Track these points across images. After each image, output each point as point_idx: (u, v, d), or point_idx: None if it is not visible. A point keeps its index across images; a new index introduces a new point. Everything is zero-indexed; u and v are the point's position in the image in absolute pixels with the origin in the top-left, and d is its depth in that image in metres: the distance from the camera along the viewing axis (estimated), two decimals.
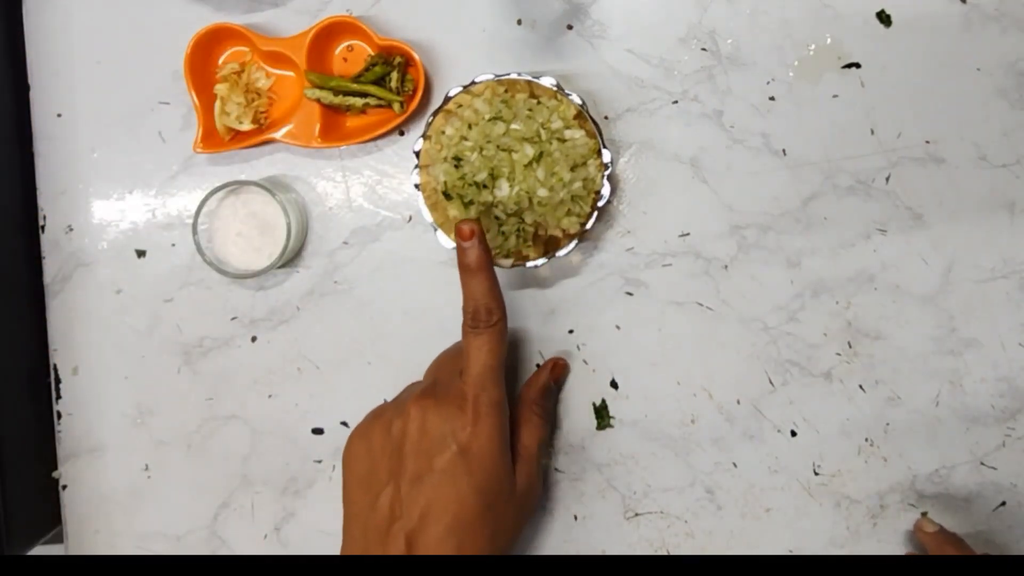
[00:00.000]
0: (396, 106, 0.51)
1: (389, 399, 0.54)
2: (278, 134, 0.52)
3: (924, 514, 0.53)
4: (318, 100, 0.51)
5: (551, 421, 0.52)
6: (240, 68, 0.53)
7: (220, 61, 0.54)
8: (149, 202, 0.55)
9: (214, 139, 0.53)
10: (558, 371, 0.53)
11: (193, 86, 0.52)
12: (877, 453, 0.53)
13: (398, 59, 0.51)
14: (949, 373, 0.53)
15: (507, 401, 0.45)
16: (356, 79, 0.52)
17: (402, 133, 0.54)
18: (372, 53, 0.53)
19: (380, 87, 0.52)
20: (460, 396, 0.44)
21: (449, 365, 0.48)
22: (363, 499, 0.44)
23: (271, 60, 0.53)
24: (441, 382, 0.46)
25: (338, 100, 0.52)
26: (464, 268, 0.44)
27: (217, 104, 0.52)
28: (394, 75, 0.51)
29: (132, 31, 0.55)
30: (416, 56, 0.51)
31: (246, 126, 0.53)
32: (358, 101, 0.52)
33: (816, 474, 0.53)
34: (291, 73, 0.54)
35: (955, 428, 0.53)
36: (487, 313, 0.44)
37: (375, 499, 0.43)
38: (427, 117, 0.50)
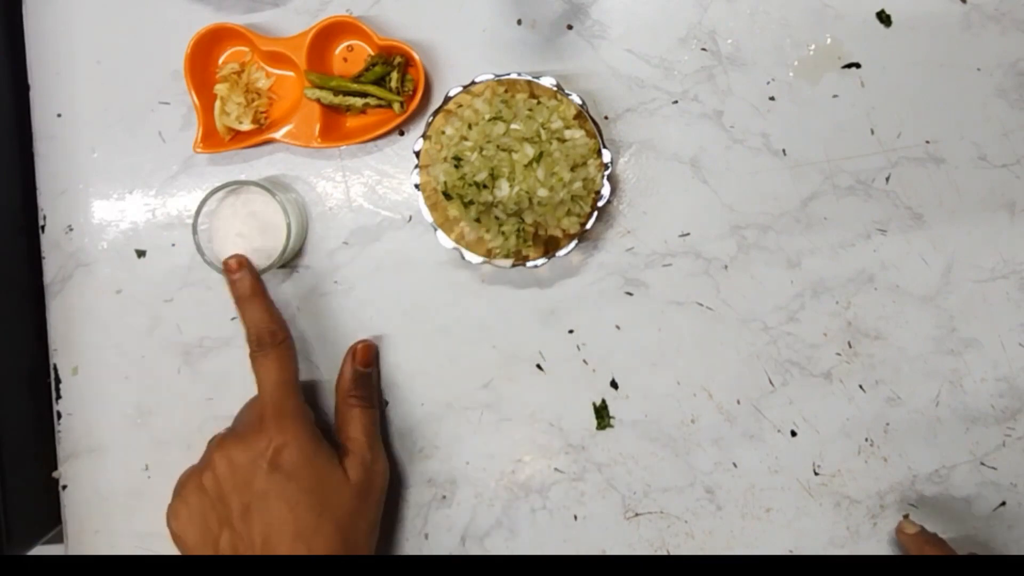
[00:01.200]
0: (396, 106, 0.51)
1: (389, 399, 0.54)
2: (278, 134, 0.52)
3: (906, 516, 0.53)
4: (318, 100, 0.51)
5: (374, 404, 0.52)
6: (240, 68, 0.53)
7: (220, 61, 0.54)
8: (149, 202, 0.55)
9: (214, 139, 0.53)
10: (361, 356, 0.52)
11: (193, 86, 0.52)
12: (877, 453, 0.53)
13: (398, 59, 0.51)
14: (949, 373, 0.53)
15: (308, 408, 0.48)
16: (356, 79, 0.52)
17: (402, 133, 0.54)
18: (372, 53, 0.53)
19: (380, 87, 0.52)
20: (257, 420, 0.45)
21: (245, 410, 0.49)
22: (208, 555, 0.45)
23: (271, 60, 0.53)
24: (238, 423, 0.48)
25: (338, 100, 0.52)
26: (238, 298, 0.47)
27: (217, 104, 0.52)
28: (394, 75, 0.51)
29: (132, 31, 0.55)
30: (416, 56, 0.51)
31: (246, 126, 0.53)
32: (358, 101, 0.52)
33: (816, 474, 0.53)
34: (291, 73, 0.54)
35: (955, 428, 0.53)
36: (270, 335, 0.47)
37: (217, 549, 0.44)
38: (427, 117, 0.50)
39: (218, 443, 0.46)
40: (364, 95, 0.52)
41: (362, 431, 0.49)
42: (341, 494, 0.46)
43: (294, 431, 0.45)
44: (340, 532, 0.45)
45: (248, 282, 0.48)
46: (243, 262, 0.48)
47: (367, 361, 0.52)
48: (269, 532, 0.43)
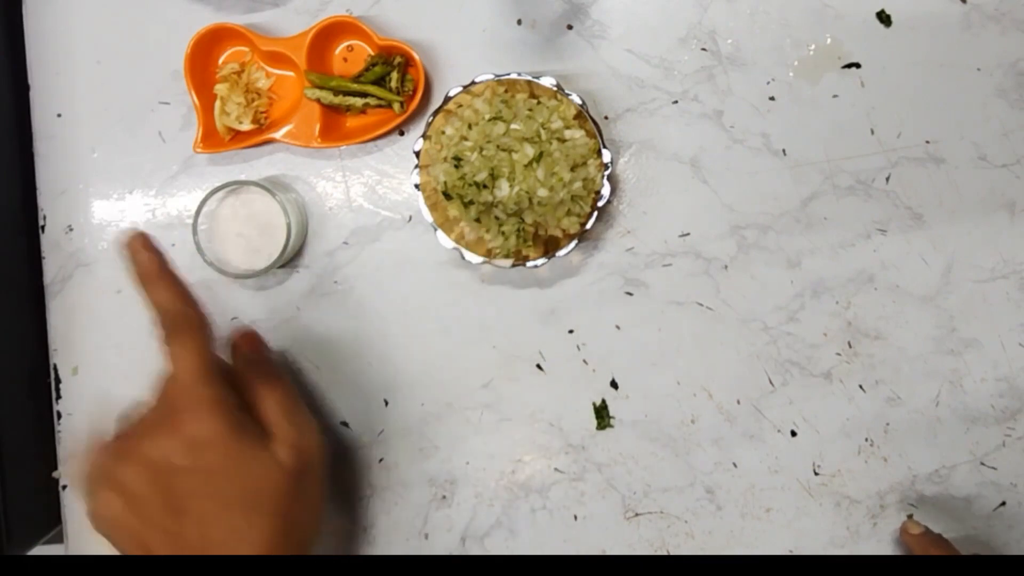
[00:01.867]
0: (396, 106, 0.51)
1: (389, 399, 0.54)
2: (278, 134, 0.52)
3: (910, 516, 0.53)
4: (318, 100, 0.51)
5: (279, 377, 0.48)
6: (240, 68, 0.53)
7: (220, 61, 0.54)
8: (149, 202, 0.55)
9: (214, 139, 0.53)
10: (248, 345, 0.49)
11: (193, 86, 0.52)
12: (877, 453, 0.53)
13: (398, 59, 0.51)
14: (949, 373, 0.53)
15: (228, 392, 0.43)
16: (356, 79, 0.52)
17: (402, 133, 0.54)
18: (372, 53, 0.53)
19: (380, 87, 0.52)
20: (171, 413, 0.42)
21: (158, 397, 0.44)
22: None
23: (271, 60, 0.53)
24: (151, 411, 0.44)
25: (338, 100, 0.52)
26: (143, 278, 0.43)
27: (217, 104, 0.52)
28: (394, 75, 0.51)
29: (132, 31, 0.55)
30: (416, 56, 0.51)
31: (246, 126, 0.53)
32: (358, 101, 0.52)
33: (816, 474, 0.53)
34: (291, 73, 0.54)
35: (955, 428, 0.53)
36: (184, 318, 0.42)
37: (151, 552, 0.41)
38: (427, 117, 0.50)
39: (130, 437, 0.42)
40: (364, 95, 0.52)
41: (277, 410, 0.45)
42: (272, 481, 0.42)
43: (212, 423, 0.41)
44: (278, 521, 0.42)
45: (148, 259, 0.43)
46: (147, 242, 0.43)
47: (255, 347, 0.49)
48: (205, 532, 0.40)
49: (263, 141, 0.53)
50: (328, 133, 0.52)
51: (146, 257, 0.43)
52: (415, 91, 0.52)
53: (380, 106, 0.53)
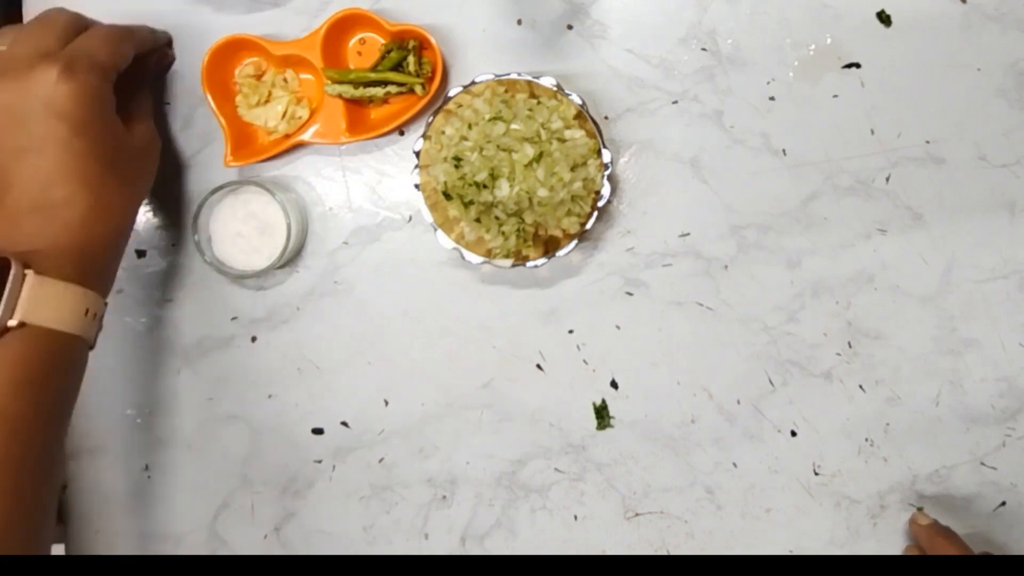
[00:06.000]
0: (418, 88, 0.51)
1: (389, 399, 0.54)
2: (306, 135, 0.52)
3: (920, 509, 0.53)
4: (340, 95, 0.51)
5: (152, 86, 0.53)
6: (256, 73, 0.53)
7: (236, 72, 0.53)
8: (149, 202, 0.55)
9: (243, 150, 0.52)
10: (166, 61, 0.53)
11: (214, 101, 0.52)
12: (877, 453, 0.53)
13: (412, 43, 0.51)
14: (949, 373, 0.53)
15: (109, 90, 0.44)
16: (374, 69, 0.52)
17: (402, 133, 0.54)
18: (385, 42, 0.52)
19: (399, 72, 0.51)
20: (42, 54, 0.42)
21: (34, 30, 0.44)
22: None
23: (286, 65, 0.53)
24: (15, 43, 0.43)
25: (359, 92, 0.51)
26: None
27: (260, 113, 0.53)
28: (411, 59, 0.51)
29: None
30: (430, 37, 0.50)
31: (283, 129, 0.53)
32: (379, 91, 0.52)
33: (816, 474, 0.53)
34: (309, 76, 0.53)
35: (955, 428, 0.53)
36: (138, 29, 0.48)
37: None
38: (427, 117, 0.50)
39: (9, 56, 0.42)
40: (385, 83, 0.52)
41: (146, 107, 0.49)
42: (129, 154, 0.45)
43: (87, 80, 0.42)
44: (128, 187, 0.45)
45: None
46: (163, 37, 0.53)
47: (168, 66, 0.54)
48: (51, 177, 0.41)
49: (293, 145, 0.53)
50: (355, 127, 0.52)
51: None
52: (434, 72, 0.51)
53: (401, 93, 0.52)
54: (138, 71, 0.49)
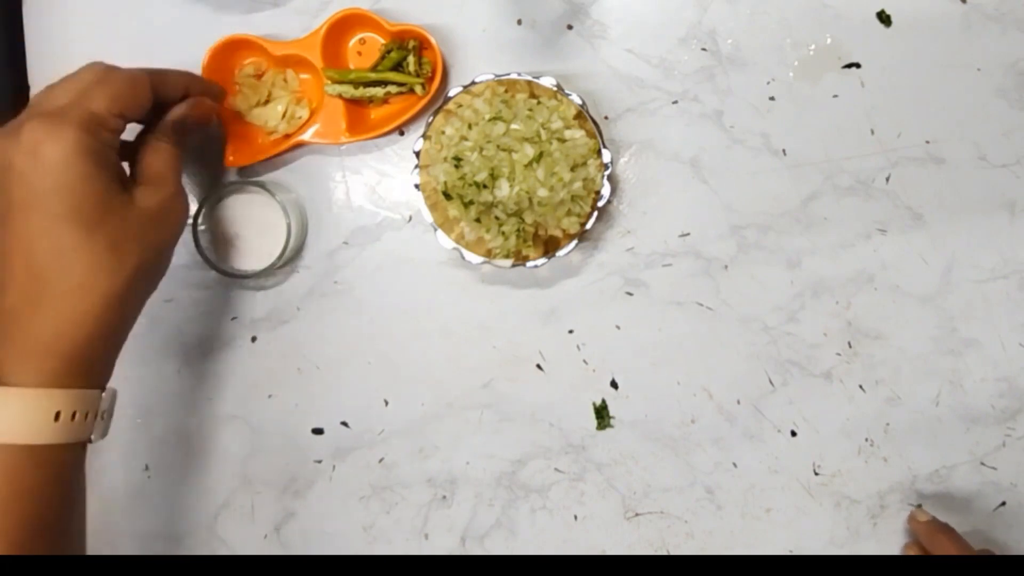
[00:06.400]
0: (418, 88, 0.51)
1: (389, 399, 0.54)
2: (306, 135, 0.52)
3: (919, 506, 0.53)
4: (340, 95, 0.51)
5: (184, 150, 0.45)
6: (256, 73, 0.53)
7: (236, 72, 0.53)
8: None
9: (243, 150, 0.52)
10: (199, 110, 0.46)
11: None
12: (877, 453, 0.53)
13: (412, 43, 0.51)
14: (949, 373, 0.53)
15: (115, 159, 0.40)
16: (374, 69, 0.52)
17: (402, 133, 0.54)
18: (384, 42, 0.52)
19: (399, 72, 0.51)
20: (30, 115, 0.38)
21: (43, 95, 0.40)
22: None
23: (286, 65, 0.53)
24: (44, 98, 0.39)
25: (359, 92, 0.52)
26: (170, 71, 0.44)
27: (259, 112, 0.52)
28: (411, 59, 0.51)
29: (132, 31, 0.55)
30: (430, 37, 0.50)
31: (283, 128, 0.53)
32: (379, 91, 0.52)
33: (816, 474, 0.53)
34: (309, 76, 0.53)
35: (955, 428, 0.53)
36: (151, 73, 0.41)
37: None
38: (427, 117, 0.50)
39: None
40: (385, 83, 0.52)
41: (166, 164, 0.43)
42: (124, 218, 0.39)
43: (73, 136, 0.37)
44: (119, 260, 0.38)
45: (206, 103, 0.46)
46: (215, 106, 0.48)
47: (207, 119, 0.47)
48: (23, 246, 0.37)
49: (293, 145, 0.53)
50: (355, 127, 0.52)
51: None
52: (434, 72, 0.51)
53: (401, 93, 0.53)
54: (167, 123, 0.44)
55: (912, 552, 0.52)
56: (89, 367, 0.39)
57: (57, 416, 0.37)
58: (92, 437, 0.40)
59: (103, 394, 0.40)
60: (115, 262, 0.38)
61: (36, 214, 0.37)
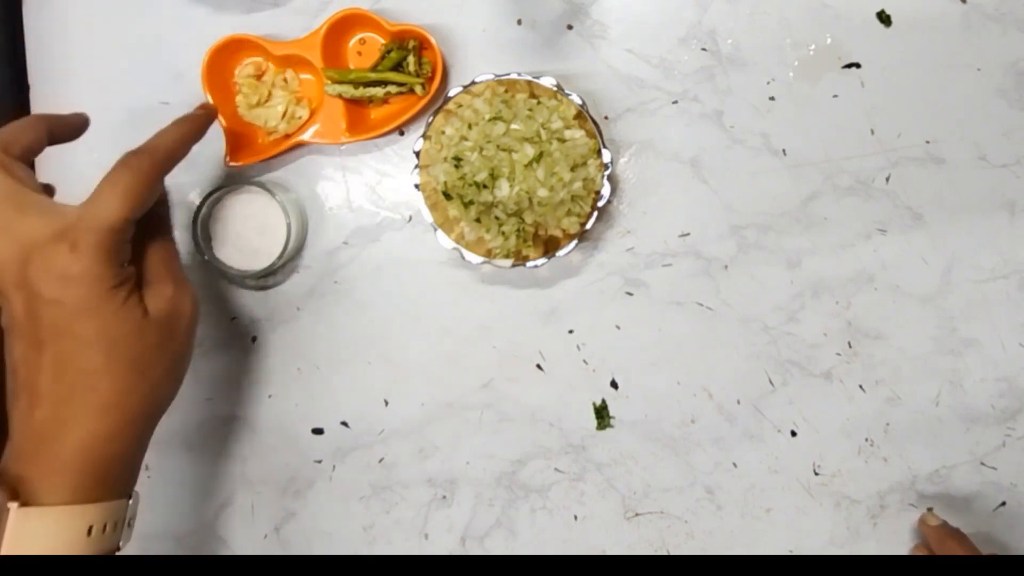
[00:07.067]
0: (418, 88, 0.51)
1: (389, 399, 0.54)
2: (306, 135, 0.52)
3: (930, 509, 0.53)
4: (340, 95, 0.51)
5: (168, 231, 0.45)
6: (257, 74, 0.53)
7: (236, 72, 0.53)
8: None
9: (243, 150, 0.52)
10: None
11: (215, 100, 0.52)
12: (877, 453, 0.53)
13: (412, 43, 0.51)
14: (949, 373, 0.53)
15: (127, 248, 0.40)
16: (374, 69, 0.52)
17: (402, 133, 0.54)
18: (384, 42, 0.52)
19: (399, 72, 0.51)
20: (59, 232, 0.38)
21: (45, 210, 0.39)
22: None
23: (286, 65, 0.53)
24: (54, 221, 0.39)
25: (359, 92, 0.52)
26: (182, 119, 0.44)
27: (259, 112, 0.52)
28: (411, 59, 0.51)
29: (132, 31, 0.55)
30: (430, 37, 0.50)
31: (283, 129, 0.53)
32: (379, 91, 0.52)
33: (816, 474, 0.53)
34: (309, 76, 0.53)
35: (955, 428, 0.53)
36: (150, 154, 0.41)
37: (15, 372, 0.39)
38: (427, 117, 0.50)
39: (28, 240, 0.38)
40: (385, 83, 0.52)
41: (160, 263, 0.43)
42: (142, 332, 0.40)
43: (93, 260, 0.37)
44: (137, 373, 0.39)
45: (197, 117, 0.45)
46: (212, 110, 0.46)
47: (163, 197, 0.45)
48: (55, 370, 0.38)
49: (293, 145, 0.53)
50: (355, 127, 0.52)
51: (198, 117, 0.45)
52: (433, 71, 0.51)
53: (401, 93, 0.53)
54: (156, 208, 0.43)
55: (920, 553, 0.52)
56: (117, 479, 0.40)
57: (90, 531, 0.38)
58: (120, 544, 0.41)
59: (130, 501, 0.41)
60: (136, 379, 0.40)
61: (66, 339, 0.38)
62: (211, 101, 0.52)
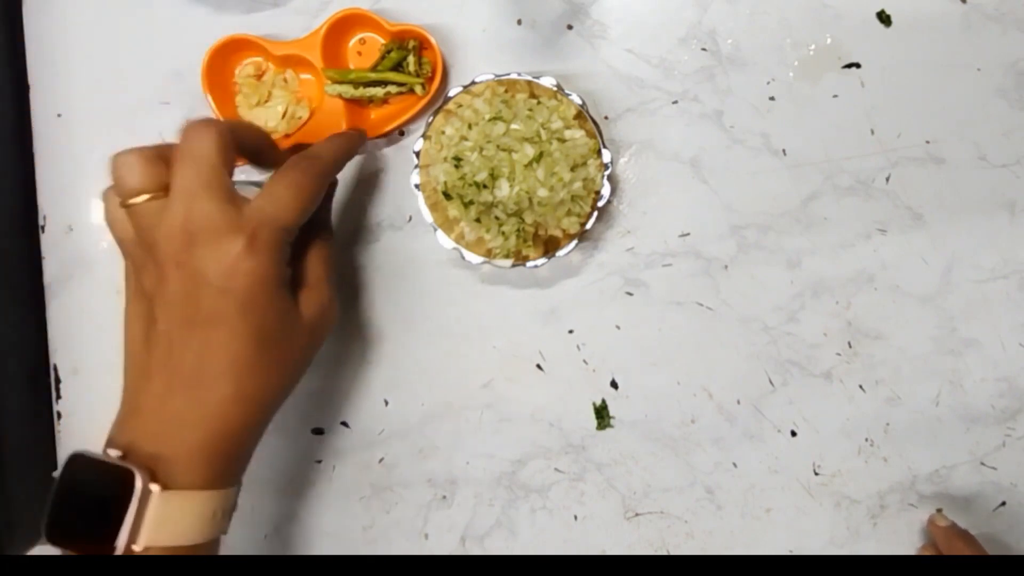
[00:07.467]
0: (418, 88, 0.51)
1: (389, 399, 0.54)
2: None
3: (939, 510, 0.53)
4: (339, 95, 0.51)
5: (330, 234, 0.47)
6: (257, 73, 0.53)
7: (236, 72, 0.53)
8: None
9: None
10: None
11: (215, 101, 0.52)
12: (877, 453, 0.53)
13: (412, 43, 0.51)
14: (949, 373, 0.53)
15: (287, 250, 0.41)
16: (374, 69, 0.52)
17: (402, 133, 0.54)
18: (384, 42, 0.52)
19: (399, 72, 0.52)
20: (232, 222, 0.38)
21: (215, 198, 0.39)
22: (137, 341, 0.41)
23: (285, 65, 0.53)
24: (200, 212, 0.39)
25: (359, 92, 0.52)
26: (336, 135, 0.45)
27: (259, 112, 0.52)
28: (411, 59, 0.51)
29: (132, 31, 0.55)
30: (430, 37, 0.50)
31: (283, 128, 0.53)
32: (379, 91, 0.52)
33: (816, 474, 0.53)
34: (309, 76, 0.53)
35: (955, 428, 0.53)
36: (317, 161, 0.42)
37: (149, 350, 0.40)
38: (427, 117, 0.50)
39: (171, 227, 0.38)
40: (385, 83, 0.52)
41: (320, 265, 0.44)
42: (293, 333, 0.41)
43: (267, 255, 0.38)
44: (281, 369, 0.41)
45: (352, 134, 0.46)
46: (363, 132, 0.48)
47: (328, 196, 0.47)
48: (204, 353, 0.38)
49: (293, 145, 0.52)
50: (355, 127, 0.52)
51: (348, 136, 0.46)
52: (434, 72, 0.51)
53: (401, 93, 0.53)
54: (319, 213, 0.44)
55: (927, 553, 0.52)
56: (239, 467, 0.41)
57: (213, 515, 0.39)
58: (226, 529, 0.42)
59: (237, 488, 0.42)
60: (277, 376, 0.41)
61: (221, 328, 0.38)
62: (211, 101, 0.52)
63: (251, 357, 0.39)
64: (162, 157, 0.39)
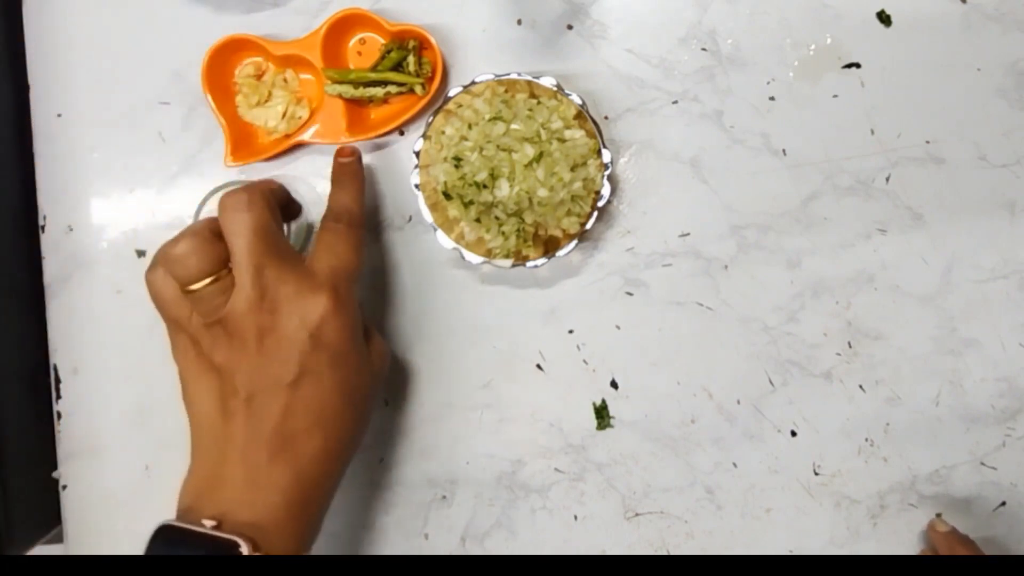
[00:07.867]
0: (418, 88, 0.51)
1: (389, 399, 0.54)
2: (306, 135, 0.52)
3: (939, 515, 0.53)
4: (340, 95, 0.51)
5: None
6: (257, 73, 0.53)
7: (236, 72, 0.53)
8: (149, 202, 0.55)
9: (243, 150, 0.53)
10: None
11: (215, 100, 0.52)
12: (877, 453, 0.53)
13: (412, 43, 0.51)
14: (949, 373, 0.53)
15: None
16: (374, 68, 0.52)
17: (402, 133, 0.54)
18: (384, 42, 0.52)
19: (399, 72, 0.52)
20: (310, 276, 0.40)
21: (283, 270, 0.40)
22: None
23: (286, 65, 0.53)
24: (274, 274, 0.40)
25: (359, 92, 0.52)
26: (342, 176, 0.47)
27: (258, 112, 0.52)
28: (411, 59, 0.51)
29: (132, 31, 0.55)
30: (430, 37, 0.50)
31: (283, 129, 0.53)
32: (379, 91, 0.52)
33: (816, 474, 0.53)
34: (309, 76, 0.53)
35: (955, 428, 0.53)
36: (355, 217, 0.45)
37: (226, 413, 0.40)
38: (427, 117, 0.50)
39: (280, 286, 0.39)
40: (385, 83, 0.52)
41: (369, 318, 0.47)
42: (368, 380, 0.43)
43: (350, 316, 0.41)
44: (357, 417, 0.42)
45: (356, 167, 0.47)
46: (356, 151, 0.48)
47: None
48: (290, 414, 0.39)
49: (293, 145, 0.53)
50: (355, 127, 0.52)
51: (351, 163, 0.47)
52: (434, 72, 0.51)
53: (401, 93, 0.53)
54: None
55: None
56: (319, 526, 0.42)
57: None
58: None
59: None
60: (355, 424, 0.42)
61: (307, 385, 0.39)
62: (211, 101, 0.52)
63: (337, 408, 0.40)
64: (214, 233, 0.40)
